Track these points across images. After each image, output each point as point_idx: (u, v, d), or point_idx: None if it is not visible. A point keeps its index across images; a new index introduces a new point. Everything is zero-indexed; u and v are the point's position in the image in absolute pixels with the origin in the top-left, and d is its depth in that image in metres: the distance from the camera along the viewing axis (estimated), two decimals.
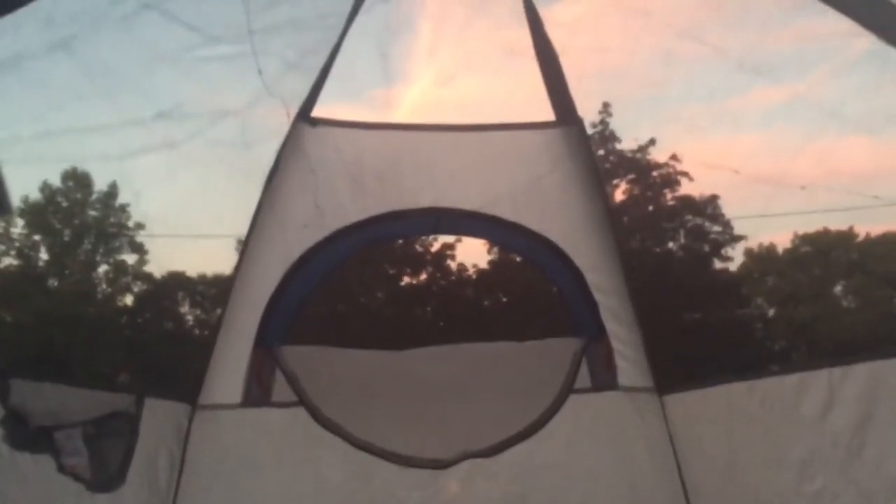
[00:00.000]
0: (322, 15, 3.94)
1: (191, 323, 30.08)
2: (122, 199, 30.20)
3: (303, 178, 4.78)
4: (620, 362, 5.08)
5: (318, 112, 4.93)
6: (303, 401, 4.83)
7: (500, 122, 5.18)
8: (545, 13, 4.60)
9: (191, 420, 4.70)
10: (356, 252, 5.50)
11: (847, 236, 26.98)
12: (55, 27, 3.26)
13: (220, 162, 4.52)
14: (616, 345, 5.09)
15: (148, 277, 29.87)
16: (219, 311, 5.04)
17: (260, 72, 3.18)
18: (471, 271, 27.22)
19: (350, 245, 5.10)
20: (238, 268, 4.93)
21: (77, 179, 29.89)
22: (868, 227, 26.26)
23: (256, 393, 4.86)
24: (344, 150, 4.93)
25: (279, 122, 4.52)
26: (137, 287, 30.14)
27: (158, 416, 4.49)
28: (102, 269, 30.03)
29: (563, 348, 5.15)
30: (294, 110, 4.64)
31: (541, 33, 4.64)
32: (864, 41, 3.63)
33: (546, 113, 5.10)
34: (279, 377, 4.92)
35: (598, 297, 5.11)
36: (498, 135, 5.07)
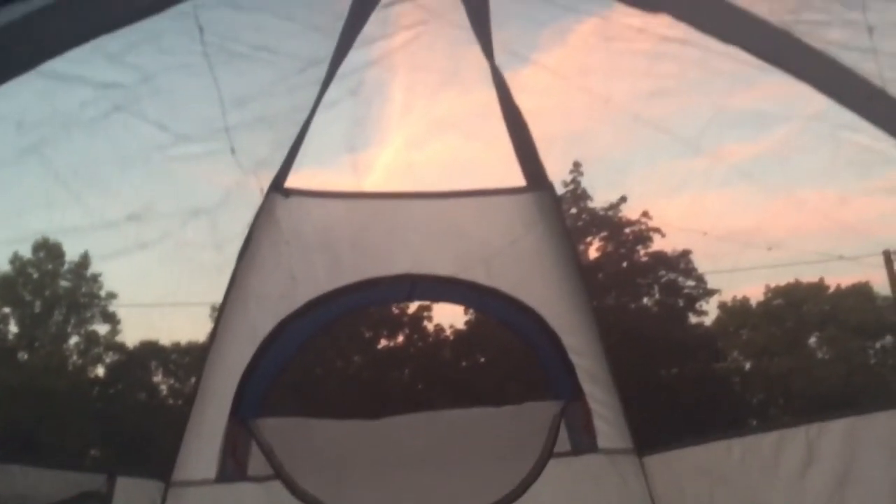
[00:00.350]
0: (294, 108, 4.04)
1: (164, 393, 29.52)
2: (93, 268, 29.92)
3: (276, 249, 4.79)
4: (599, 424, 5.08)
5: (291, 179, 4.96)
6: (280, 474, 4.74)
7: (472, 186, 5.26)
8: (512, 78, 4.71)
9: (164, 498, 4.58)
10: (332, 321, 5.48)
11: (818, 288, 27.39)
12: (25, 132, 3.29)
13: (190, 261, 4.55)
14: (594, 406, 5.09)
15: (120, 347, 29.38)
16: (193, 380, 4.99)
17: (233, 150, 3.22)
18: (448, 332, 27.14)
19: (325, 314, 5.09)
20: (212, 339, 4.88)
21: (48, 250, 29.57)
22: (838, 278, 26.71)
23: (232, 467, 4.76)
24: (317, 220, 4.96)
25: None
26: (109, 358, 29.62)
27: (130, 494, 4.38)
28: (73, 340, 29.52)
29: (542, 412, 5.14)
30: (266, 183, 4.67)
31: (509, 101, 4.76)
32: (823, 101, 3.80)
33: (517, 176, 5.19)
34: (255, 450, 4.82)
35: (574, 359, 5.13)
36: (470, 201, 5.14)
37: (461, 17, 4.12)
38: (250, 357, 4.83)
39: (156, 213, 4.07)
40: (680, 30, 3.95)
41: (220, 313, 4.88)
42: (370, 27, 3.87)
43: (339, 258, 4.98)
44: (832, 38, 3.03)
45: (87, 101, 3.27)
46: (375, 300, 7.24)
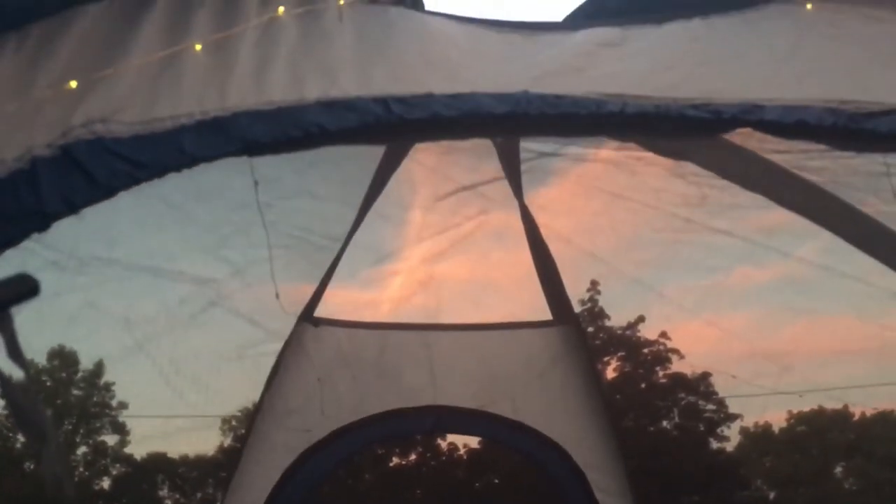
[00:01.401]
0: (331, 259, 4.21)
1: None
2: (107, 377, 29.74)
3: (305, 380, 4.81)
4: None
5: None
6: None
7: (494, 305, 5.31)
8: (532, 199, 4.79)
9: None
10: (355, 453, 5.43)
11: (842, 416, 26.62)
12: (132, 329, 3.46)
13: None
14: None
15: (127, 459, 28.81)
16: (199, 495, 4.96)
17: (277, 295, 3.33)
18: (462, 451, 26.50)
19: (348, 446, 5.05)
20: (236, 468, 4.88)
21: (63, 358, 29.53)
22: (863, 406, 26.00)
23: None
24: (345, 350, 5.00)
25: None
26: (116, 470, 29.00)
27: None
28: (81, 450, 29.03)
29: None
30: (298, 312, 4.75)
31: (537, 238, 4.87)
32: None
33: (539, 298, 5.21)
34: None
35: (600, 496, 5.03)
36: (497, 334, 5.18)
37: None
38: (272, 487, 4.78)
39: (250, 413, 4.20)
40: (701, 173, 4.12)
41: (245, 441, 4.88)
42: (432, 216, 4.09)
43: (365, 388, 4.99)
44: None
45: (185, 297, 3.45)
46: (399, 432, 7.15)
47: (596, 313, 26.12)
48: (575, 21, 3.21)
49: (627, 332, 25.84)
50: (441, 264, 5.12)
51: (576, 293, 6.61)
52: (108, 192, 1.48)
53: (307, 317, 4.91)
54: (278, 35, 2.13)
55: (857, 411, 26.63)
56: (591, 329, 25.61)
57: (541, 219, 4.83)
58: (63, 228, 1.41)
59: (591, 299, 26.01)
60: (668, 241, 5.01)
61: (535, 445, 5.11)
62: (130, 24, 1.86)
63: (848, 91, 2.08)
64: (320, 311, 5.01)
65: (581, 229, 5.65)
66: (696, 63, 2.33)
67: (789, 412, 27.45)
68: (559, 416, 5.09)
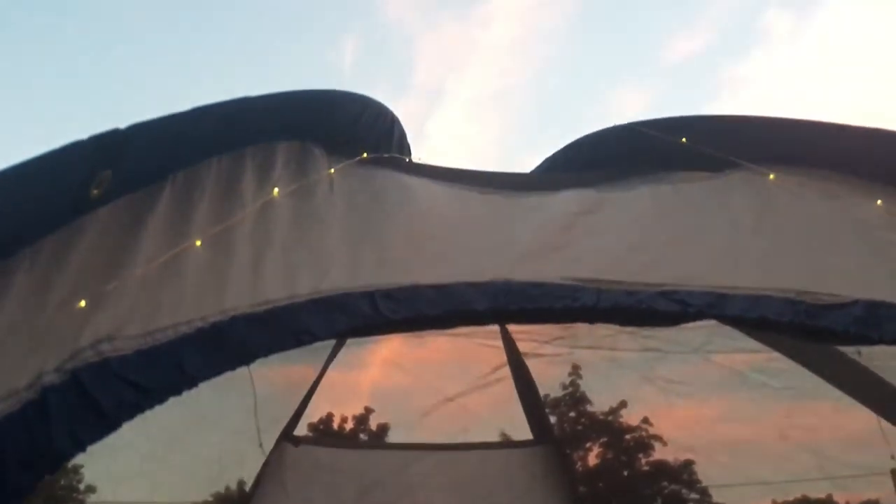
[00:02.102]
0: None
1: None
2: (75, 460, 28.93)
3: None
4: None
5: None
6: None
7: (481, 440, 5.32)
8: None
9: None
10: None
11: None
12: None
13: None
14: None
15: None
16: None
17: (261, 444, 3.36)
18: None
19: None
20: None
21: None
22: (847, 495, 25.74)
23: None
24: (325, 470, 4.95)
25: None
26: None
27: None
28: None
29: None
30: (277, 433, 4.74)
31: (518, 362, 4.95)
32: None
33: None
34: None
35: None
36: (477, 454, 5.17)
37: None
38: None
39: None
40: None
41: None
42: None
43: None
44: None
45: None
46: None
47: (577, 398, 25.95)
48: (549, 172, 3.38)
49: (609, 418, 25.60)
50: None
51: (556, 378, 6.72)
52: (114, 423, 1.54)
53: (287, 436, 4.90)
54: (273, 220, 2.24)
55: (841, 500, 26.32)
56: (572, 414, 25.39)
57: None
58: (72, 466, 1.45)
59: (573, 384, 25.92)
60: None
61: None
62: (137, 222, 1.95)
63: (805, 278, 2.22)
64: (300, 430, 5.02)
65: None
66: (666, 242, 2.46)
67: (773, 501, 27.06)
68: None
